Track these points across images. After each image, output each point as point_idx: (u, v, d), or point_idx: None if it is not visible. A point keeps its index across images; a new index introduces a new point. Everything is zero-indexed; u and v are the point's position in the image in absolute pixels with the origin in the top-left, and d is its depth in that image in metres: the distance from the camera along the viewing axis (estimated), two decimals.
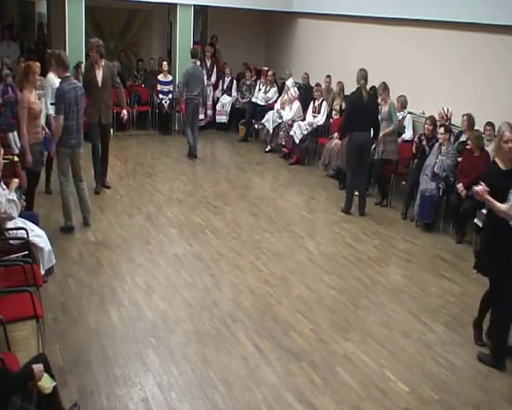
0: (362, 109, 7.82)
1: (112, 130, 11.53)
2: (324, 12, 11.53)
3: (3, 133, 8.80)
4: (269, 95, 12.09)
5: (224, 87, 12.86)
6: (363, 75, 7.91)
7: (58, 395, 3.52)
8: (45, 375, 3.27)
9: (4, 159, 5.72)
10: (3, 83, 10.05)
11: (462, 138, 7.91)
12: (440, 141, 7.61)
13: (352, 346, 4.91)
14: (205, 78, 11.16)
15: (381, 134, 8.34)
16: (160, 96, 12.07)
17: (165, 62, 12.14)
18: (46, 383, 3.23)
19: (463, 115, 7.85)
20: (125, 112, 8.70)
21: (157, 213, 7.75)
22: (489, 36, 8.17)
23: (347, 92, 10.39)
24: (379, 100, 8.54)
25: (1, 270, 4.61)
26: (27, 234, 5.01)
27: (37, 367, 3.23)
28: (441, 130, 7.64)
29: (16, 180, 5.45)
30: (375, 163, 8.55)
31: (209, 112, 12.78)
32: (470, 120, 7.71)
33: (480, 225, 6.78)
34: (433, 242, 7.37)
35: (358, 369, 4.59)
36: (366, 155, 8.07)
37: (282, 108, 11.14)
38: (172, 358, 4.57)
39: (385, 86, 8.54)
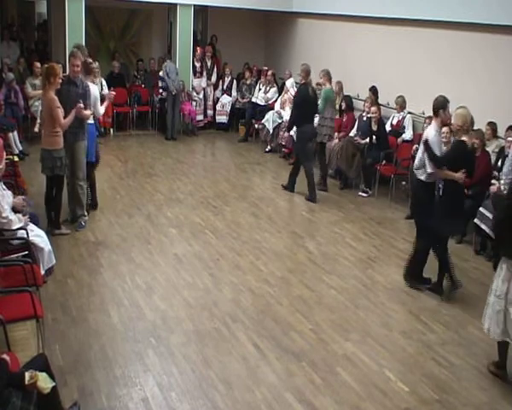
0: (310, 102, 8.63)
1: (112, 130, 11.60)
2: (324, 12, 11.53)
3: (4, 133, 8.79)
4: (269, 95, 12.09)
5: (224, 87, 12.87)
6: (307, 70, 8.62)
7: (58, 395, 3.52)
8: (44, 375, 3.27)
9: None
10: (6, 87, 10.07)
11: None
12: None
13: (352, 346, 4.91)
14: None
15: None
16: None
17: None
18: (45, 384, 3.23)
19: None
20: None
21: (157, 213, 7.75)
22: (489, 36, 8.17)
23: (347, 92, 10.42)
24: (320, 82, 9.38)
25: (1, 270, 4.61)
26: (27, 234, 5.01)
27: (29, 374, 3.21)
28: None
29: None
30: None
31: (209, 112, 12.81)
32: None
33: (481, 225, 6.81)
34: None
35: (358, 369, 4.59)
36: (313, 142, 9.00)
37: (282, 108, 11.15)
38: (172, 358, 4.57)
39: (326, 72, 9.10)
